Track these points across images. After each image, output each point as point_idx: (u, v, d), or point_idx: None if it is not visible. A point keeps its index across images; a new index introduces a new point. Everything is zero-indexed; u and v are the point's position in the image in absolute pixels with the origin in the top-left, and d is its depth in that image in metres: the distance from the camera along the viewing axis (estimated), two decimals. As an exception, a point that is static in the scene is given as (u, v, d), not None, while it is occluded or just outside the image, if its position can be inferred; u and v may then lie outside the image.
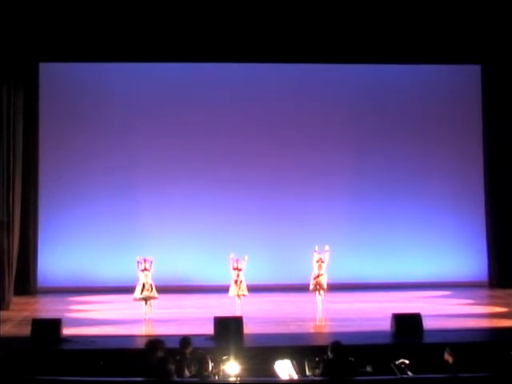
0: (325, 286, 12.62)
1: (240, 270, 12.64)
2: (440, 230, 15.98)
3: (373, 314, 12.65)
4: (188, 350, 8.44)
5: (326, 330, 11.78)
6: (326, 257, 12.65)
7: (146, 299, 12.32)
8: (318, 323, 12.20)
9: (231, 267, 12.69)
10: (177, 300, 14.14)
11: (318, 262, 12.64)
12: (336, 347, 8.13)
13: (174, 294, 14.49)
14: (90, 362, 9.32)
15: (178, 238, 15.73)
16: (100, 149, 15.89)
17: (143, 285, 12.34)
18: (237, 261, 12.70)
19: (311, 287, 12.72)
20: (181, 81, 16.02)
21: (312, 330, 11.65)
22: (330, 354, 8.09)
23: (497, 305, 13.63)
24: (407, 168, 16.25)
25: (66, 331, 10.64)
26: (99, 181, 15.79)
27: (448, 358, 8.10)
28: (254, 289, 15.18)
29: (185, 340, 8.60)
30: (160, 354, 8.03)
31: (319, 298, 12.70)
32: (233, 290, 12.65)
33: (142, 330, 11.63)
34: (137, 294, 12.37)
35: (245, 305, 12.73)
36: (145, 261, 12.51)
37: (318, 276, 12.62)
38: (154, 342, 8.27)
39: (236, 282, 12.61)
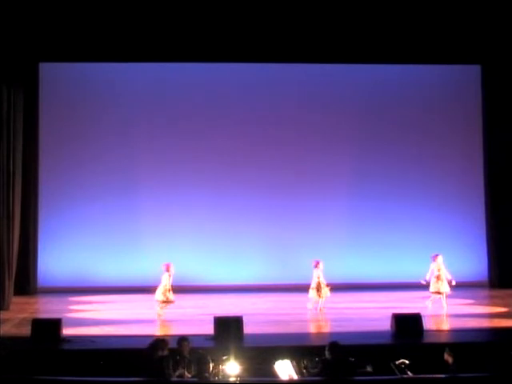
0: None
1: None
2: (440, 230, 15.98)
3: (373, 314, 12.65)
4: (185, 347, 8.41)
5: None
6: None
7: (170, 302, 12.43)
8: None
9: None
10: (177, 300, 14.11)
11: None
12: (333, 347, 8.13)
13: (174, 294, 14.47)
14: (90, 362, 9.32)
15: (179, 238, 15.72)
16: (100, 149, 15.88)
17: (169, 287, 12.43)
18: None
19: None
20: (182, 81, 16.02)
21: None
22: (327, 355, 8.09)
23: (497, 305, 13.63)
24: (407, 168, 16.25)
25: (66, 331, 10.64)
26: (99, 181, 15.78)
27: (448, 358, 8.11)
28: (253, 289, 15.23)
29: (180, 339, 8.60)
30: (161, 353, 8.05)
31: None
32: None
33: (143, 330, 11.62)
34: (171, 296, 12.44)
35: (245, 305, 12.74)
36: (169, 264, 12.57)
37: None
38: (157, 342, 8.28)
39: None
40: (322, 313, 12.69)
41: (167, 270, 12.53)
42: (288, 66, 15.72)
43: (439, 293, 12.94)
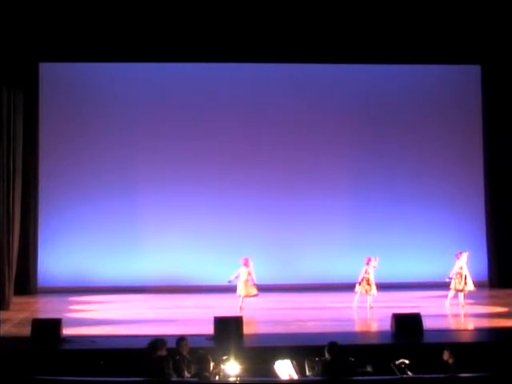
0: None
1: None
2: (440, 230, 15.98)
3: (373, 314, 12.65)
4: (184, 347, 8.40)
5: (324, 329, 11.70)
6: None
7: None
8: None
9: None
10: (177, 300, 14.15)
11: None
12: (332, 348, 8.13)
13: (173, 293, 14.49)
14: (90, 362, 9.32)
15: (178, 237, 15.71)
16: (100, 149, 15.88)
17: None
18: None
19: None
20: (182, 81, 16.01)
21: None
22: (327, 355, 8.09)
23: (497, 305, 13.63)
24: (407, 168, 16.25)
25: (67, 331, 10.64)
26: (99, 181, 15.79)
27: (448, 358, 8.11)
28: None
29: (179, 339, 8.61)
30: (160, 353, 8.05)
31: None
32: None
33: (143, 330, 11.62)
34: (253, 290, 12.84)
35: (245, 305, 12.73)
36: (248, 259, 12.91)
37: None
38: (156, 342, 8.28)
39: None
40: (371, 311, 12.90)
41: (245, 265, 12.82)
42: (288, 66, 15.72)
43: (459, 290, 13.06)
